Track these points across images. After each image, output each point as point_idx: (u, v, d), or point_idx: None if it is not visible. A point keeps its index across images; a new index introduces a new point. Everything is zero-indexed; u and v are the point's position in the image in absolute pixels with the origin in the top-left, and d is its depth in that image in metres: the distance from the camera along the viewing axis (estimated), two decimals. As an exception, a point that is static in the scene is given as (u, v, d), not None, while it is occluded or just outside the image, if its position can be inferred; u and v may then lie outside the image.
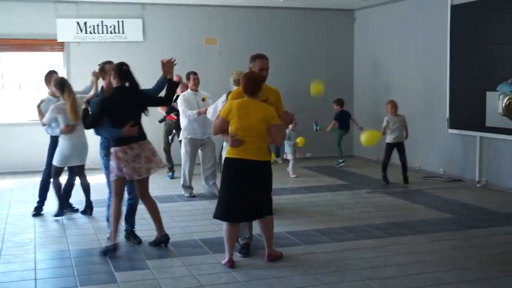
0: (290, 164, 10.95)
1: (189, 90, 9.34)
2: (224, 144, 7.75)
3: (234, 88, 8.25)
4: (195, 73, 9.46)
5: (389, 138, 10.00)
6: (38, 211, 7.78)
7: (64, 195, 7.87)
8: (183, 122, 9.08)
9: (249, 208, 5.59)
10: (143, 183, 6.21)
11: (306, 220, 7.18)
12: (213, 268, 5.57)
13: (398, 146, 10.04)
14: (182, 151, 9.27)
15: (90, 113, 6.00)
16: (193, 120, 8.71)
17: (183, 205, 8.50)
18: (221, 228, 6.99)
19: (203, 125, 8.91)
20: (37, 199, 7.84)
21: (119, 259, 5.88)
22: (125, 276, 5.35)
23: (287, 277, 5.25)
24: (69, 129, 7.35)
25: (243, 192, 5.54)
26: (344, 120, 12.19)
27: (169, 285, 5.10)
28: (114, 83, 5.98)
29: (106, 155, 6.21)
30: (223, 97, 8.08)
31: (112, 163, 5.88)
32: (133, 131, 5.83)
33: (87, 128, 6.26)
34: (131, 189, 6.41)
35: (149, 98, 6.36)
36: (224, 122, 5.56)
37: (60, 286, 5.19)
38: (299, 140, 10.76)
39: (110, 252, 5.83)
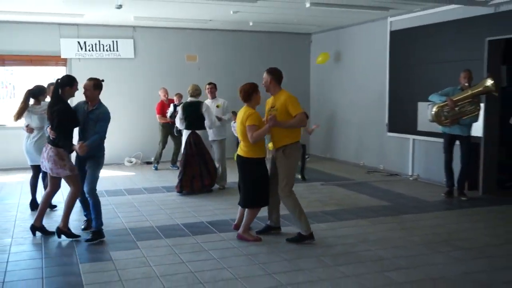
0: None
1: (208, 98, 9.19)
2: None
3: (189, 99, 8.63)
4: (210, 83, 9.20)
5: None
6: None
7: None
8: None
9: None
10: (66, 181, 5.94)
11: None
12: (192, 247, 5.61)
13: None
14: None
15: None
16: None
17: (167, 195, 8.47)
18: (200, 214, 7.07)
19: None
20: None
21: (114, 241, 5.88)
22: (119, 255, 5.36)
23: (256, 255, 5.30)
24: (27, 129, 7.28)
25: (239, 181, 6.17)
26: None
27: (155, 261, 5.14)
28: None
29: None
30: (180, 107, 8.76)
31: None
32: (51, 132, 5.70)
33: None
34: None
35: (56, 120, 5.68)
36: None
37: (63, 262, 5.20)
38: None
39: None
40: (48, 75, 10.99)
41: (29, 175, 7.56)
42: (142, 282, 4.62)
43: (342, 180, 9.93)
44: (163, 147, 11.23)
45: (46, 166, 5.81)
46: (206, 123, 8.46)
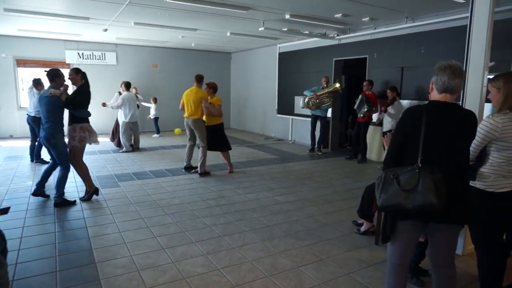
0: None
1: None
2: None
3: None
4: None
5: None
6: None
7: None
8: None
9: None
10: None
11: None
12: (157, 184, 5.46)
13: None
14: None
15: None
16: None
17: (139, 153, 8.17)
18: (160, 164, 6.83)
19: None
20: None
21: (103, 182, 5.59)
22: (107, 191, 5.13)
23: (195, 189, 5.23)
24: None
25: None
26: None
27: (131, 194, 4.97)
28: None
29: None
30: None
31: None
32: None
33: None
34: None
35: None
36: None
37: (67, 197, 4.89)
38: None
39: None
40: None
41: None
42: (122, 207, 4.47)
43: (249, 143, 9.97)
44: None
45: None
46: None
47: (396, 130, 2.04)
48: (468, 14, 3.14)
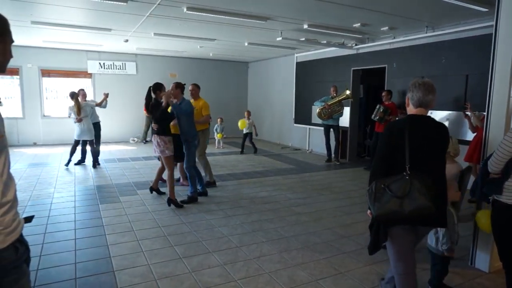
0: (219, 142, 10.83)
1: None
2: None
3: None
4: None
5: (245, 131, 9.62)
6: (68, 163, 7.35)
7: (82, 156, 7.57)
8: None
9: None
10: (164, 161, 4.85)
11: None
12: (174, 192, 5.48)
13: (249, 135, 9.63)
14: None
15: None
16: None
17: (153, 162, 8.24)
18: (177, 174, 6.85)
19: None
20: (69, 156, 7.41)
21: (122, 190, 5.66)
22: (125, 198, 5.18)
23: (203, 202, 5.23)
24: (78, 120, 7.05)
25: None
26: None
27: (149, 202, 4.99)
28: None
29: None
30: None
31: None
32: (154, 127, 4.79)
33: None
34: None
35: (159, 112, 4.76)
36: None
37: (87, 204, 4.95)
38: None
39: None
40: (78, 84, 10.40)
41: (65, 148, 7.13)
42: (140, 215, 4.50)
43: (266, 152, 9.94)
44: (147, 129, 10.84)
45: (157, 150, 4.85)
46: None
47: (382, 143, 2.13)
48: (493, 23, 3.07)
